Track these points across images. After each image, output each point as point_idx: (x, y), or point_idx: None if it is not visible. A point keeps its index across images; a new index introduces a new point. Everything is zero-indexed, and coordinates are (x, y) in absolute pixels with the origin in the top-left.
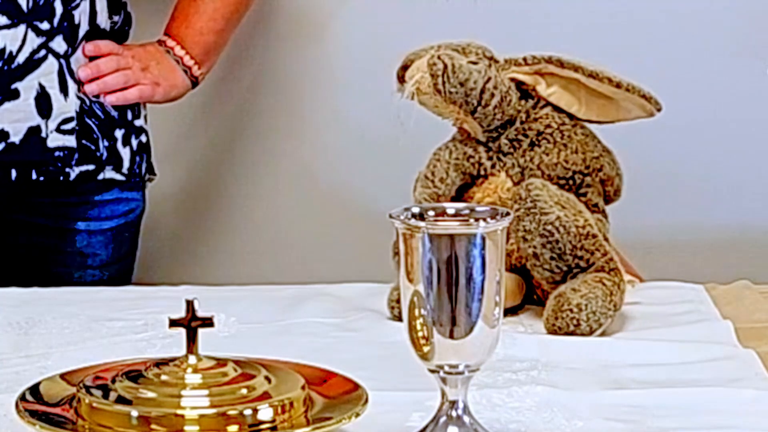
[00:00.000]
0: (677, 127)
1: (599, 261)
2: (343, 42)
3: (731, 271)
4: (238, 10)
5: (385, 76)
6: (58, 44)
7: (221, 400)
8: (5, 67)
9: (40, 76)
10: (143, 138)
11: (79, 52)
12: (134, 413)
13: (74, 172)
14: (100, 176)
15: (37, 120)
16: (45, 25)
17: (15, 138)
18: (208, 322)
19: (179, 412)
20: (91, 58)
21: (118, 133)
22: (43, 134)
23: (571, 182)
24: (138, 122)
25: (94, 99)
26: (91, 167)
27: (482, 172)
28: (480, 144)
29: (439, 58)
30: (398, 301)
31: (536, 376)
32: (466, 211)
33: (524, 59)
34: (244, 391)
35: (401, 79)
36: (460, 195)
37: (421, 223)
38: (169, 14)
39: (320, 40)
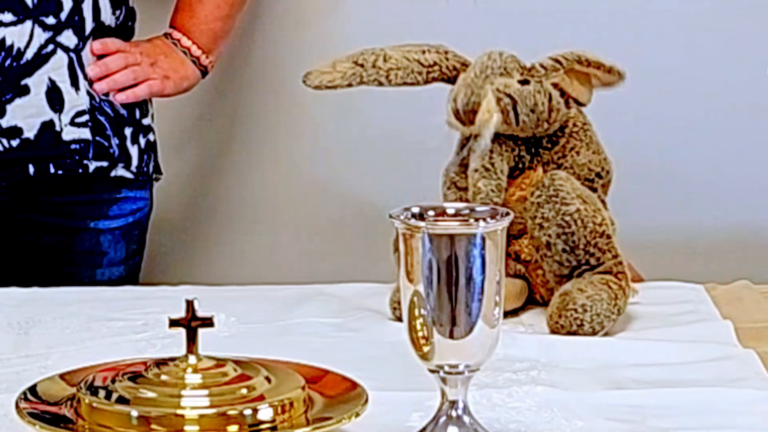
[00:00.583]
0: (677, 127)
1: (609, 262)
2: (344, 41)
3: (731, 271)
4: None
5: None
6: (67, 38)
7: (221, 400)
8: (14, 64)
9: (50, 70)
10: (151, 137)
11: (87, 49)
12: (134, 413)
13: (92, 166)
14: (113, 173)
15: (49, 114)
16: (51, 20)
17: (29, 134)
18: (208, 322)
19: (179, 412)
20: (99, 57)
21: (128, 131)
22: (57, 128)
23: (591, 183)
24: (146, 121)
25: (103, 97)
26: (105, 164)
27: (520, 166)
28: (520, 138)
29: (502, 92)
30: (400, 302)
31: (536, 376)
32: (466, 211)
33: (558, 63)
34: (244, 391)
35: (469, 123)
36: None
37: (421, 223)
38: (172, 7)
39: (321, 40)
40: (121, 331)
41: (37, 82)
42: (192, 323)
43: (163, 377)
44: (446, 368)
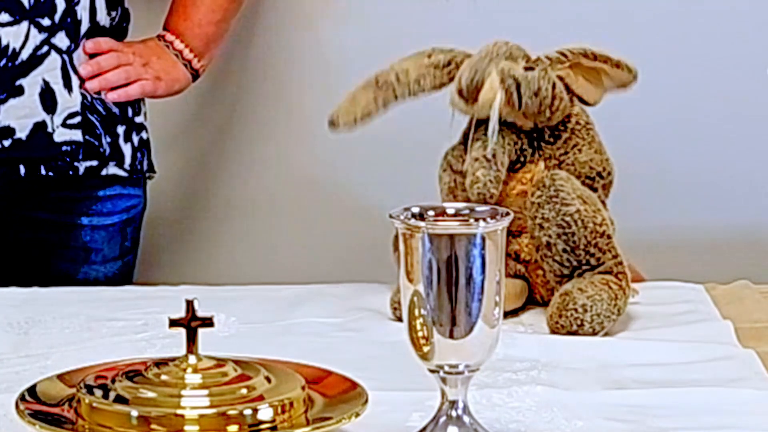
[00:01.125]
0: (677, 128)
1: (609, 262)
2: (344, 40)
3: (731, 271)
4: (236, 0)
5: None
6: (61, 40)
7: (221, 400)
8: (9, 64)
9: (44, 72)
10: (144, 135)
11: (80, 49)
12: (134, 413)
13: (82, 167)
14: (104, 172)
15: (42, 115)
16: (46, 21)
17: (21, 134)
18: (208, 322)
19: (179, 412)
20: (92, 56)
21: (120, 130)
22: (49, 129)
23: (592, 182)
24: (138, 119)
25: (95, 96)
26: (95, 163)
27: (521, 159)
28: (522, 131)
29: (506, 73)
30: (400, 302)
31: (536, 376)
32: (466, 211)
33: (564, 55)
34: (244, 391)
35: (469, 99)
36: None
37: (421, 223)
38: (166, 9)
39: (320, 39)
40: (121, 331)
41: (32, 83)
42: (192, 323)
43: (163, 377)
44: (446, 368)
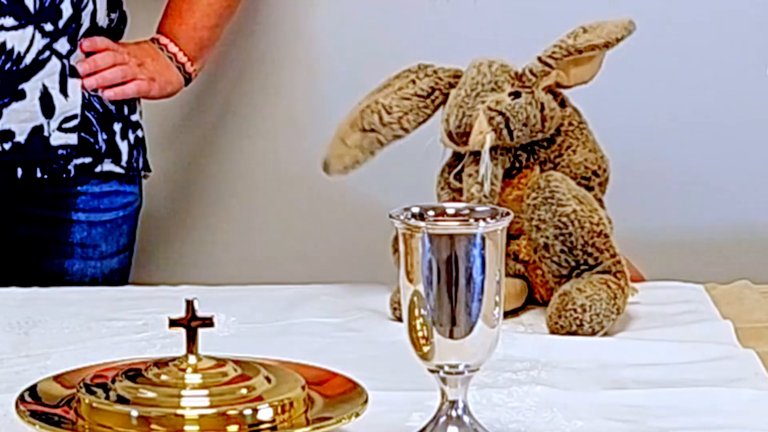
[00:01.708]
0: (677, 127)
1: (607, 261)
2: (343, 40)
3: (731, 271)
4: (230, 5)
5: (385, 74)
6: (62, 45)
7: (221, 400)
8: (14, 68)
9: (44, 76)
10: (139, 133)
11: (77, 48)
12: (134, 413)
13: (75, 164)
14: (98, 168)
15: (40, 120)
16: (49, 27)
17: (20, 138)
18: (208, 322)
19: (179, 412)
20: (88, 55)
21: (116, 127)
22: (46, 133)
23: (588, 182)
24: (134, 117)
25: (92, 93)
26: (88, 159)
27: (517, 165)
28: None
29: (492, 110)
30: (400, 302)
31: (536, 376)
32: (466, 211)
33: (548, 65)
34: (244, 391)
35: (462, 144)
36: None
37: (421, 223)
38: (161, 13)
39: (318, 38)
40: (121, 331)
41: (33, 88)
42: (192, 323)
43: (163, 377)
44: (446, 368)
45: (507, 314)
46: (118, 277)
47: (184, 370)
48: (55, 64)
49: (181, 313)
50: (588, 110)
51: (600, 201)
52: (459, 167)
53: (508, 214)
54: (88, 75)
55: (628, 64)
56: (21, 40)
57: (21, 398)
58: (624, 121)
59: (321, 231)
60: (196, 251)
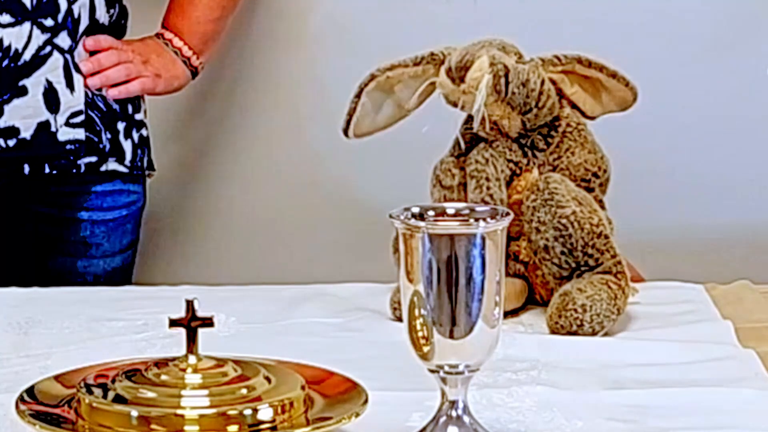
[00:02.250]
0: (677, 127)
1: (608, 262)
2: (344, 40)
3: (731, 271)
4: None
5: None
6: (63, 39)
7: (221, 400)
8: (12, 65)
9: (47, 72)
10: (144, 132)
11: (80, 46)
12: (134, 413)
13: (83, 163)
14: (103, 168)
15: (46, 115)
16: (49, 22)
17: (26, 134)
18: (208, 322)
19: (179, 412)
20: (92, 53)
21: (120, 126)
22: (53, 129)
23: (588, 183)
24: (138, 116)
25: (96, 92)
26: (94, 159)
27: (517, 171)
28: (514, 141)
29: (496, 58)
30: (400, 302)
31: (536, 376)
32: (466, 211)
33: (558, 59)
34: (244, 391)
35: (459, 80)
36: None
37: (421, 223)
38: (164, 8)
39: (320, 38)
40: (121, 331)
41: (35, 83)
42: (192, 323)
43: (163, 377)
44: (446, 368)
45: (507, 314)
46: (122, 275)
47: (184, 370)
48: (57, 58)
49: (181, 313)
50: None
51: (600, 202)
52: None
53: (508, 214)
54: (92, 74)
55: (627, 64)
56: (18, 36)
57: (21, 398)
58: (624, 121)
59: (321, 231)
60: (198, 251)
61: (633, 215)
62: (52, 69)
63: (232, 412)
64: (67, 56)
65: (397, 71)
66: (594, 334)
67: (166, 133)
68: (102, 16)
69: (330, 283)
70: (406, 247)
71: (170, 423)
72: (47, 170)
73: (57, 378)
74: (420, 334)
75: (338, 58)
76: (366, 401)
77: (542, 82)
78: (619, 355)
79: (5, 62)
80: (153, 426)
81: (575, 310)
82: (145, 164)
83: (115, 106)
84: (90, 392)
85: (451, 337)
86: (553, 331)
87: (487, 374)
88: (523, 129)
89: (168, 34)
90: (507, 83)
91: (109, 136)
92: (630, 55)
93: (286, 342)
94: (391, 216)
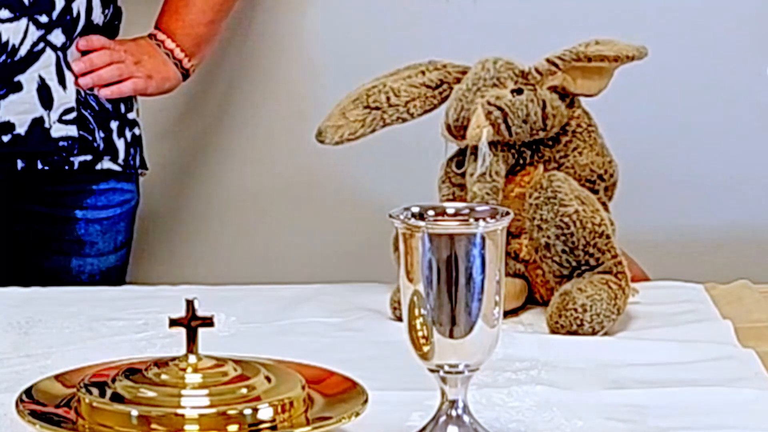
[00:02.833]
0: (677, 128)
1: (608, 262)
2: (342, 39)
3: (731, 271)
4: (228, 1)
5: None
6: (56, 37)
7: (221, 399)
8: (8, 60)
9: (40, 68)
10: (136, 131)
11: (73, 45)
12: (134, 413)
13: (77, 161)
14: (98, 166)
15: (40, 111)
16: (44, 18)
17: (20, 129)
18: (208, 322)
19: (179, 411)
20: (84, 53)
21: (113, 125)
22: (47, 125)
23: (593, 184)
24: (131, 115)
25: (89, 92)
26: (89, 157)
27: (521, 162)
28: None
29: (491, 104)
30: (400, 302)
31: (536, 376)
32: (466, 211)
33: (555, 65)
34: (244, 390)
35: (460, 138)
36: None
37: (421, 223)
38: (158, 9)
39: (317, 36)
40: (121, 331)
41: (29, 79)
42: (192, 323)
43: (163, 377)
44: (446, 368)
45: (507, 314)
46: (116, 274)
47: (184, 370)
48: (49, 55)
49: (181, 312)
50: (589, 110)
51: (604, 205)
52: (463, 162)
53: (508, 213)
54: (84, 73)
55: (627, 64)
56: (15, 32)
57: (21, 398)
58: (624, 121)
59: (321, 231)
60: (194, 250)
61: (633, 215)
62: (45, 66)
63: (232, 412)
64: (60, 54)
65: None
66: (594, 333)
67: (161, 132)
68: (98, 16)
69: (330, 283)
70: (406, 246)
71: (170, 423)
72: (40, 166)
73: (57, 378)
74: (420, 333)
75: (336, 58)
76: (366, 401)
77: (544, 107)
78: (619, 354)
79: (2, 57)
80: (153, 426)
81: (575, 310)
82: (138, 163)
83: (108, 105)
84: (90, 392)
85: (451, 336)
86: (553, 331)
87: (487, 374)
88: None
89: (161, 36)
90: (508, 126)
91: (102, 134)
92: None
93: (286, 342)
94: (391, 216)
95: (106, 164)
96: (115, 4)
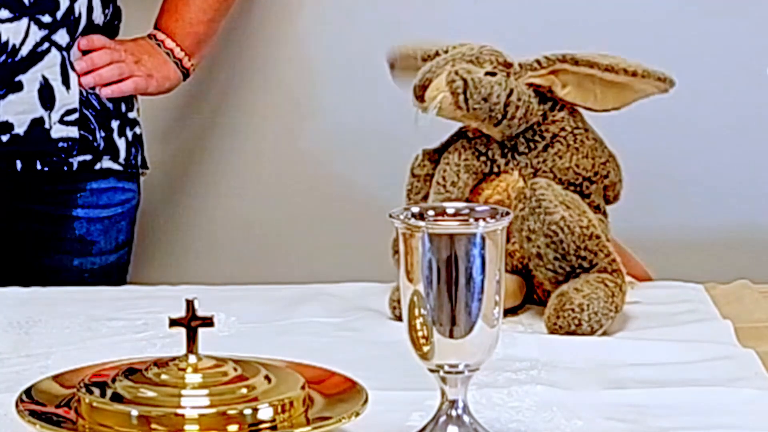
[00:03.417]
0: (678, 128)
1: (602, 262)
2: (344, 39)
3: (731, 271)
4: (227, 0)
5: (383, 73)
6: (61, 36)
7: (221, 399)
8: (9, 60)
9: (44, 68)
10: (137, 130)
11: (75, 46)
12: (134, 413)
13: (76, 161)
14: (98, 166)
15: (40, 112)
16: (47, 18)
17: (19, 129)
18: (208, 322)
19: (179, 411)
20: (85, 53)
21: (114, 124)
22: (47, 126)
23: (578, 187)
24: (132, 114)
25: (90, 91)
26: (88, 157)
27: (495, 170)
28: (494, 141)
29: (457, 74)
30: (400, 301)
31: (536, 376)
32: (466, 211)
33: (538, 62)
34: (244, 390)
35: (420, 98)
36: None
37: (421, 223)
38: (157, 9)
39: (315, 35)
40: (121, 331)
41: (31, 80)
42: (192, 323)
43: (163, 377)
44: (446, 368)
45: (506, 312)
46: (117, 274)
47: (184, 370)
48: (54, 55)
49: (181, 312)
50: (587, 111)
51: (597, 207)
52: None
53: (508, 213)
54: (86, 73)
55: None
56: (16, 32)
57: (21, 398)
58: (624, 121)
59: (321, 231)
60: (193, 249)
61: (633, 215)
62: (50, 66)
63: (232, 412)
64: (65, 54)
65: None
66: (592, 332)
67: (161, 131)
68: (98, 16)
69: (330, 283)
70: (406, 246)
71: (170, 423)
72: (39, 167)
73: (57, 378)
74: (420, 333)
75: (335, 57)
76: (366, 401)
77: (509, 94)
78: (618, 354)
79: (2, 57)
80: (153, 425)
81: (572, 310)
82: (139, 162)
83: (109, 105)
84: (90, 392)
85: (451, 336)
86: (551, 332)
87: (487, 374)
88: (504, 135)
89: (160, 35)
90: (466, 99)
91: (103, 134)
92: (631, 55)
93: (286, 342)
94: (391, 216)
95: (107, 163)
96: (114, 4)
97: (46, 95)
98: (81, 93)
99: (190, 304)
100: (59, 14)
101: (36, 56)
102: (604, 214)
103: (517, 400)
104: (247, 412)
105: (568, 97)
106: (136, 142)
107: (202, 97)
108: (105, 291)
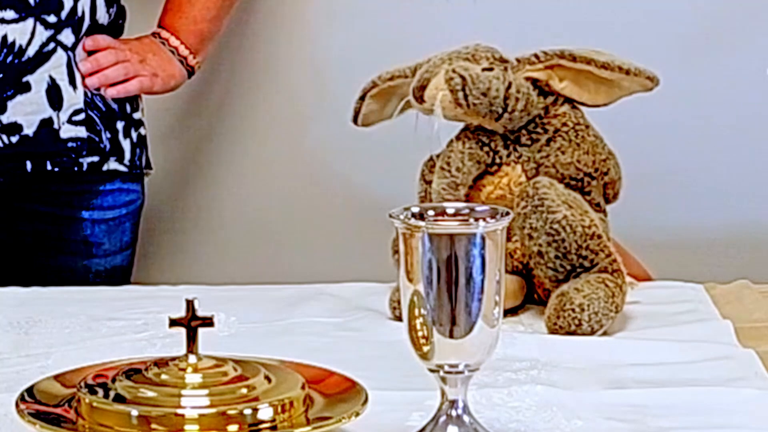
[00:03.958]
0: (678, 128)
1: (603, 262)
2: (343, 38)
3: (731, 271)
4: None
5: None
6: (66, 36)
7: (221, 399)
8: (15, 61)
9: (50, 68)
10: (142, 131)
11: (79, 46)
12: (134, 413)
13: (85, 162)
14: (105, 167)
15: (48, 112)
16: (52, 18)
17: (28, 130)
18: (208, 322)
19: (179, 411)
20: (90, 53)
21: (119, 125)
22: (56, 126)
23: (579, 183)
24: (136, 115)
25: (95, 92)
26: (96, 158)
27: (497, 161)
28: (497, 134)
29: (455, 72)
30: (400, 301)
31: (536, 376)
32: (466, 211)
33: (536, 56)
34: (244, 390)
35: (419, 99)
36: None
37: (421, 223)
38: (161, 7)
39: (318, 35)
40: (121, 331)
41: (38, 80)
42: (192, 323)
43: (163, 377)
44: (446, 368)
45: (506, 312)
46: (121, 274)
47: (184, 370)
48: (61, 55)
49: (181, 312)
50: (588, 110)
51: (598, 205)
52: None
53: (508, 213)
54: (91, 74)
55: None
56: (22, 32)
57: (21, 398)
58: (624, 121)
59: (321, 231)
60: (196, 250)
61: (633, 215)
62: (56, 66)
63: (232, 412)
64: (71, 53)
65: (397, 81)
66: (593, 332)
67: (165, 132)
68: (102, 15)
69: (330, 283)
70: (406, 246)
71: (170, 423)
72: (49, 167)
73: (57, 378)
74: (420, 333)
75: (337, 57)
76: (366, 401)
77: (508, 87)
78: (618, 354)
79: (9, 58)
80: (153, 425)
81: (573, 310)
82: (144, 163)
83: (114, 106)
84: (90, 392)
85: (451, 336)
86: (551, 332)
87: (487, 374)
88: (506, 129)
89: (165, 34)
90: (465, 96)
91: (108, 135)
92: (631, 55)
93: (286, 342)
94: (391, 216)
95: (113, 165)
96: (118, 4)
97: (54, 95)
98: (86, 94)
99: (190, 304)
100: (64, 14)
101: (42, 56)
102: (604, 212)
103: (517, 400)
104: (247, 412)
105: (565, 92)
106: (141, 143)
107: (204, 99)
108: (105, 291)
